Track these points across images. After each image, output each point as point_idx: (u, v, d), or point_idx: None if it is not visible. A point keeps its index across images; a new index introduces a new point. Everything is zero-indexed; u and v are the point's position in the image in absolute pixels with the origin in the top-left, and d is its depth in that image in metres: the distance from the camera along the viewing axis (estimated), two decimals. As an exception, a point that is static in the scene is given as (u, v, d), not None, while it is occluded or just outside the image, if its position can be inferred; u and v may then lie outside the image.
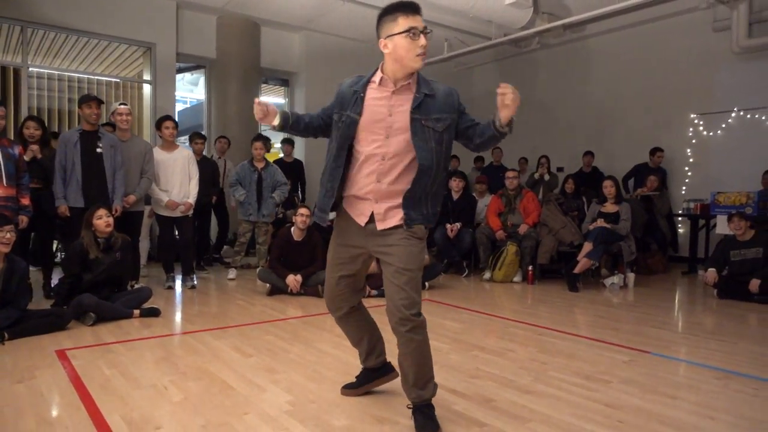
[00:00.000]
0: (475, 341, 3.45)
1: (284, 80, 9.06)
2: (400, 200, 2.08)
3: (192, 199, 5.21)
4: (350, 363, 2.94)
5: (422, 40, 2.01)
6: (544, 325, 3.91)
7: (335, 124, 2.17)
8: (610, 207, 5.68)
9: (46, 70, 7.38)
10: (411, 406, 2.17)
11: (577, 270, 5.31)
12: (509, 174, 6.21)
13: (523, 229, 5.85)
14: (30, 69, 6.86)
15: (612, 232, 5.42)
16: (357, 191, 2.12)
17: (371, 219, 2.11)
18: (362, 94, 2.12)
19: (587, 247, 5.31)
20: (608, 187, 5.71)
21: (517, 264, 5.80)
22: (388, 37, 2.03)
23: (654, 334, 3.70)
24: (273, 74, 8.80)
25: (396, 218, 2.08)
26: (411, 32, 1.99)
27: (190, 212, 5.27)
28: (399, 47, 2.01)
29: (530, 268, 5.73)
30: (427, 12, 6.77)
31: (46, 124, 5.51)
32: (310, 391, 2.54)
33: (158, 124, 5.21)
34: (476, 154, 8.86)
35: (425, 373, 2.14)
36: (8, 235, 3.33)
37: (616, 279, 5.51)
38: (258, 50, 8.18)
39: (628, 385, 2.67)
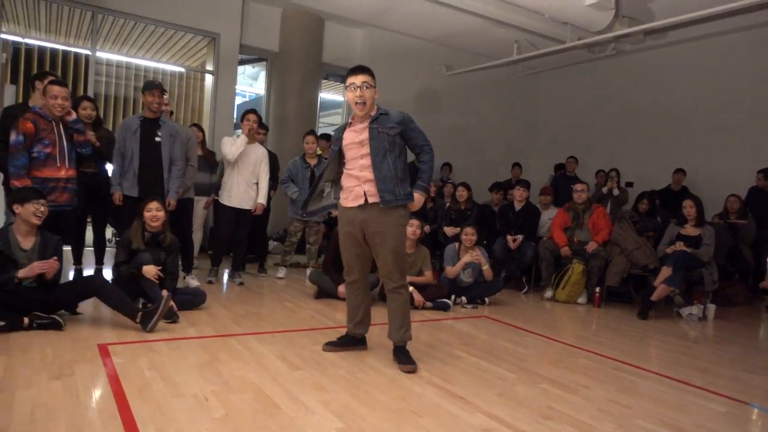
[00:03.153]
0: (542, 371, 3.10)
1: (345, 77, 8.87)
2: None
3: (263, 199, 5.08)
4: (405, 386, 2.66)
5: (358, 92, 2.91)
6: (618, 358, 3.51)
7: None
8: (691, 230, 5.17)
9: (113, 56, 7.47)
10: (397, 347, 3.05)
11: (654, 297, 4.84)
12: (578, 187, 5.78)
13: (591, 246, 5.42)
14: (97, 55, 6.92)
15: (693, 258, 4.92)
16: (350, 181, 3.05)
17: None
18: (342, 131, 3.08)
19: (666, 272, 4.83)
20: (688, 208, 5.20)
21: (583, 284, 5.37)
22: (345, 88, 3.00)
23: (750, 380, 3.24)
24: (334, 70, 8.64)
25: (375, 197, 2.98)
26: (350, 87, 2.94)
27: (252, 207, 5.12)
28: (348, 97, 2.99)
29: (597, 289, 5.29)
30: (499, 12, 6.42)
31: (111, 111, 5.50)
32: (362, 417, 2.27)
33: (241, 117, 5.11)
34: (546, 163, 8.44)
35: (406, 321, 3.06)
36: (42, 209, 3.27)
37: (694, 310, 5.00)
38: (320, 45, 8.04)
39: (731, 444, 2.27)
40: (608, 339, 4.06)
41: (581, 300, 5.40)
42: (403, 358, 2.99)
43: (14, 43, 6.96)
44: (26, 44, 7.31)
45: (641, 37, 7.44)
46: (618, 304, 5.52)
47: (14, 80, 7.11)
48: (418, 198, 3.02)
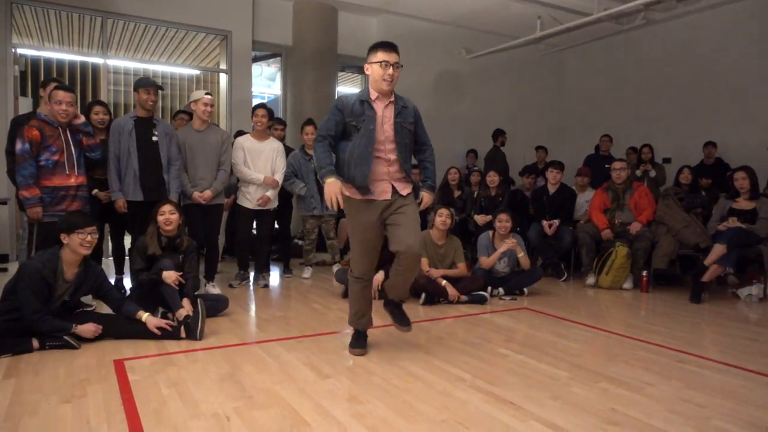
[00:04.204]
0: (597, 367, 2.80)
1: (361, 68, 8.62)
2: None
3: (270, 193, 4.81)
4: (447, 392, 2.39)
5: (390, 71, 2.77)
6: (678, 347, 3.18)
7: (353, 128, 2.82)
8: (744, 203, 4.76)
9: (126, 63, 7.36)
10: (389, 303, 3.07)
11: (706, 278, 4.46)
12: (616, 165, 5.39)
13: (635, 227, 5.04)
14: (109, 63, 6.78)
15: (749, 234, 4.52)
16: (381, 174, 2.87)
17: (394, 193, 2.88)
18: (371, 104, 2.83)
19: (719, 250, 4.43)
20: (741, 180, 4.79)
21: (628, 268, 5.01)
22: (370, 63, 2.83)
23: (834, 367, 2.88)
24: (350, 61, 8.38)
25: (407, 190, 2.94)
26: (382, 64, 2.77)
27: (273, 206, 4.90)
28: (374, 72, 2.80)
29: (644, 273, 4.92)
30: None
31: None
32: (402, 432, 2.02)
33: (252, 112, 4.90)
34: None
35: (407, 288, 3.07)
36: (89, 238, 3.01)
37: (754, 290, 4.60)
38: (335, 36, 7.78)
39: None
40: (663, 327, 3.72)
41: (627, 285, 5.04)
42: (400, 316, 3.03)
43: (26, 56, 6.89)
44: (38, 57, 7.25)
45: (673, 3, 6.97)
46: (666, 288, 5.14)
47: (30, 93, 7.07)
48: (428, 197, 3.01)
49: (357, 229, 2.91)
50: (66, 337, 2.94)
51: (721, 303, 4.54)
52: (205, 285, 4.46)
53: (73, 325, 2.98)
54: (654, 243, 4.98)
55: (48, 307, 2.93)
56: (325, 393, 2.38)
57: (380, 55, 2.78)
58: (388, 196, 2.85)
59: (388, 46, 2.80)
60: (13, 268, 5.52)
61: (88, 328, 3.02)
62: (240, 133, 5.67)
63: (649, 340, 3.35)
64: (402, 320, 3.00)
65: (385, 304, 3.08)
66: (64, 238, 2.98)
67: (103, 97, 6.63)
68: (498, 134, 8.11)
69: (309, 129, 5.26)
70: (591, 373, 2.70)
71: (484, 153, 8.45)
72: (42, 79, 7.07)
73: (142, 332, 3.13)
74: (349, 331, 3.14)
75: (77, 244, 2.98)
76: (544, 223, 5.53)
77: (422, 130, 3.01)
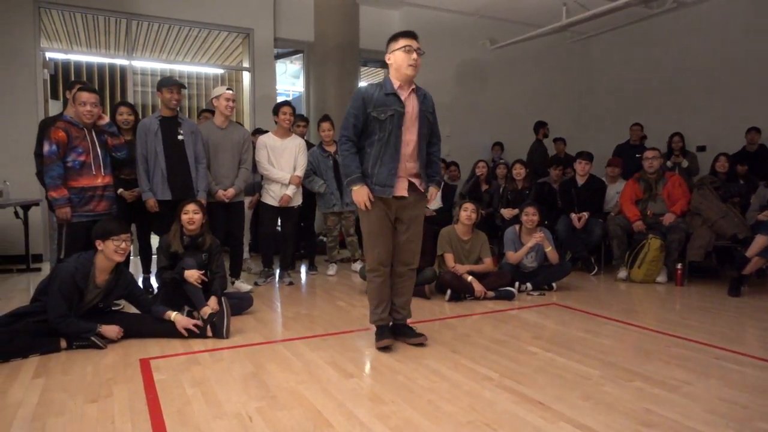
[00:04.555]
0: (630, 365, 2.69)
1: (383, 62, 8.54)
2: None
3: (290, 191, 4.79)
4: (474, 392, 2.33)
5: (414, 55, 2.76)
6: (716, 344, 3.04)
7: (375, 120, 2.78)
8: (785, 191, 4.55)
9: (151, 64, 7.44)
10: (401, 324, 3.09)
11: (747, 271, 4.28)
12: (648, 154, 5.21)
13: (668, 218, 4.87)
14: (134, 64, 6.86)
15: (791, 224, 4.32)
16: (401, 171, 2.85)
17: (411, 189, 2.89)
18: (396, 95, 2.80)
19: (761, 241, 4.24)
20: (782, 167, 4.58)
21: (662, 261, 4.84)
22: (391, 52, 2.82)
23: None
24: (372, 56, 8.31)
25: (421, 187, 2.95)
26: (405, 48, 2.76)
27: (297, 203, 4.88)
28: (398, 58, 2.79)
29: (679, 266, 4.75)
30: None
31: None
32: (427, 434, 1.96)
33: (275, 109, 4.86)
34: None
35: (410, 300, 3.12)
36: (123, 245, 3.03)
37: (797, 282, 4.40)
38: (357, 31, 7.71)
39: None
40: (699, 322, 3.58)
41: (660, 279, 4.88)
42: (411, 332, 3.05)
43: (55, 59, 7.02)
44: (67, 60, 7.39)
45: (706, -16, 6.71)
46: (702, 281, 4.96)
47: (61, 96, 7.21)
48: (435, 192, 3.03)
49: (370, 220, 2.89)
50: (92, 338, 2.97)
51: (762, 296, 4.35)
52: (233, 283, 4.48)
53: (98, 325, 3.01)
54: (689, 234, 4.80)
55: (77, 311, 2.97)
56: (348, 393, 2.34)
57: (402, 41, 2.78)
58: (405, 192, 2.86)
59: (408, 34, 2.81)
60: (46, 268, 5.66)
61: (112, 329, 3.04)
62: (257, 131, 5.66)
63: (685, 336, 3.22)
64: (414, 334, 3.03)
65: (394, 331, 3.05)
66: (99, 245, 3.00)
67: (129, 98, 6.72)
68: (539, 126, 7.87)
69: (325, 125, 5.22)
70: (624, 371, 2.60)
71: (510, 145, 8.30)
72: (68, 80, 7.24)
73: (169, 331, 3.14)
74: (372, 329, 3.10)
75: (112, 251, 3.00)
76: (573, 215, 5.38)
77: (436, 121, 3.01)
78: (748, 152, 6.39)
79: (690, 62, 7.95)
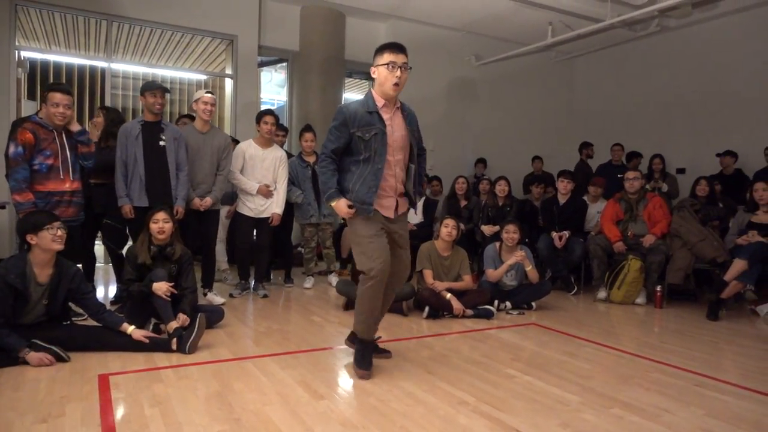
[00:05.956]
0: (610, 391, 2.62)
1: (368, 74, 8.49)
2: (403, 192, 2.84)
3: (279, 208, 4.69)
4: (449, 417, 2.23)
5: (398, 72, 2.61)
6: (696, 370, 2.99)
7: (360, 140, 2.65)
8: (764, 216, 4.56)
9: (131, 67, 7.29)
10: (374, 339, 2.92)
11: (725, 294, 4.26)
12: (629, 174, 5.20)
13: (648, 240, 4.85)
14: (113, 66, 6.70)
15: (770, 248, 4.32)
16: (389, 191, 2.76)
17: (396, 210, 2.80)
18: (379, 113, 2.68)
19: (739, 265, 4.24)
20: (761, 191, 4.59)
21: (641, 282, 4.82)
22: (376, 66, 2.68)
23: None
24: (357, 67, 8.26)
25: (405, 207, 2.88)
26: (390, 66, 2.61)
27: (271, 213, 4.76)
28: (381, 75, 2.66)
29: (659, 288, 4.73)
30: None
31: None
32: (398, 463, 1.86)
33: (258, 118, 4.75)
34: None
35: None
36: (59, 232, 2.88)
37: (774, 307, 4.40)
38: (342, 42, 7.68)
39: None
40: (679, 346, 3.53)
41: (639, 300, 4.85)
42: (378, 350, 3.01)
43: (31, 59, 6.84)
44: (46, 60, 7.21)
45: (688, 10, 6.80)
46: (681, 304, 4.94)
47: (36, 97, 7.02)
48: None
49: (366, 225, 2.71)
50: (55, 349, 2.81)
51: (739, 321, 4.34)
52: (205, 294, 4.33)
53: (26, 349, 2.75)
54: (668, 256, 4.79)
55: (28, 315, 2.80)
56: (318, 417, 2.23)
57: (387, 57, 2.63)
58: (391, 213, 2.78)
59: (395, 47, 2.66)
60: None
61: (36, 356, 2.75)
62: (233, 141, 5.54)
63: (664, 360, 3.17)
64: (379, 350, 2.99)
65: (352, 340, 2.94)
66: (32, 239, 2.84)
67: (107, 101, 6.55)
68: (583, 147, 7.70)
69: (308, 136, 5.14)
70: (603, 397, 2.53)
71: (493, 161, 8.28)
72: (49, 82, 7.06)
73: (132, 344, 3.00)
74: (345, 347, 2.99)
75: (49, 241, 2.84)
76: (554, 234, 5.35)
77: (421, 137, 2.95)
78: (724, 176, 6.45)
79: (672, 85, 8.05)
